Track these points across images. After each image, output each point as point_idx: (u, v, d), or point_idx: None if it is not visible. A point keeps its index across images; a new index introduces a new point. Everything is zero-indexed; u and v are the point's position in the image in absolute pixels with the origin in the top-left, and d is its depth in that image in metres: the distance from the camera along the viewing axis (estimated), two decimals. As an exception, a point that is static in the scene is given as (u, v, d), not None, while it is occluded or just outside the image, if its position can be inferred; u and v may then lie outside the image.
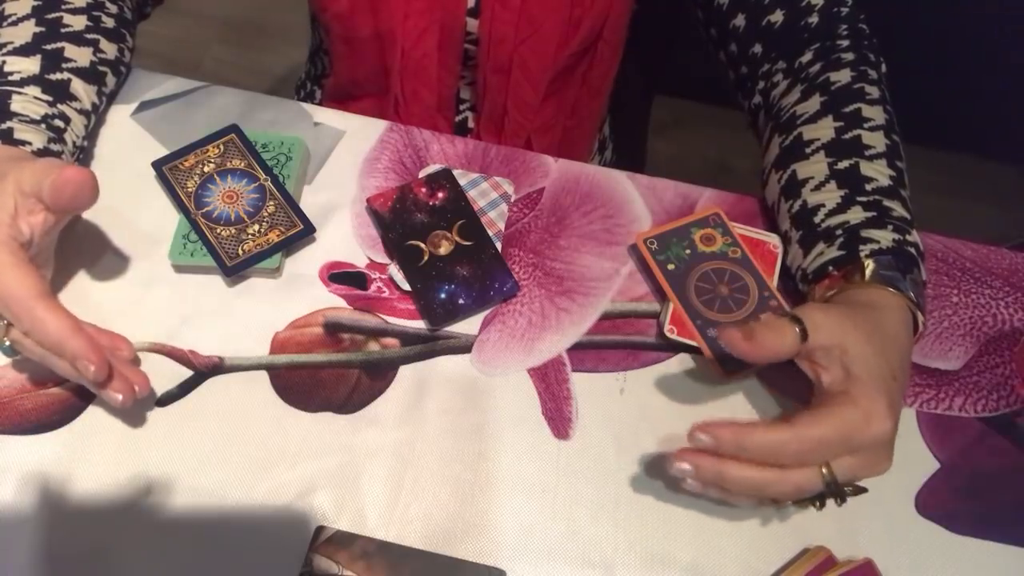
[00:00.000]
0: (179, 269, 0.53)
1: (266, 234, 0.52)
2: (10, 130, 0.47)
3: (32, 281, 0.42)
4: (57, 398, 0.47)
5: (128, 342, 0.47)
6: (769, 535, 0.46)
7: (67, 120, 0.51)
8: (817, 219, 0.50)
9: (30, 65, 0.51)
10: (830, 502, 0.43)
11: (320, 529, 0.44)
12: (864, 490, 0.43)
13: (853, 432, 0.40)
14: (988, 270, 0.58)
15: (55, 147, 0.49)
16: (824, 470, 0.41)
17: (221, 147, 0.55)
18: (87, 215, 0.54)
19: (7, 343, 0.43)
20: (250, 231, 0.52)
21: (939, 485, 0.49)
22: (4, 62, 0.50)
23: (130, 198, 0.55)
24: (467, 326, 0.52)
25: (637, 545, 0.46)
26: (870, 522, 0.47)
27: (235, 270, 0.51)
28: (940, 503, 0.48)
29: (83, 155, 0.55)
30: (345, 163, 0.59)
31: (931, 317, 0.55)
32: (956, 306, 0.56)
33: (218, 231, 0.52)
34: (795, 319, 0.43)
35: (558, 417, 0.49)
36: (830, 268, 0.48)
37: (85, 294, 0.51)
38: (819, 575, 0.43)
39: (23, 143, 0.47)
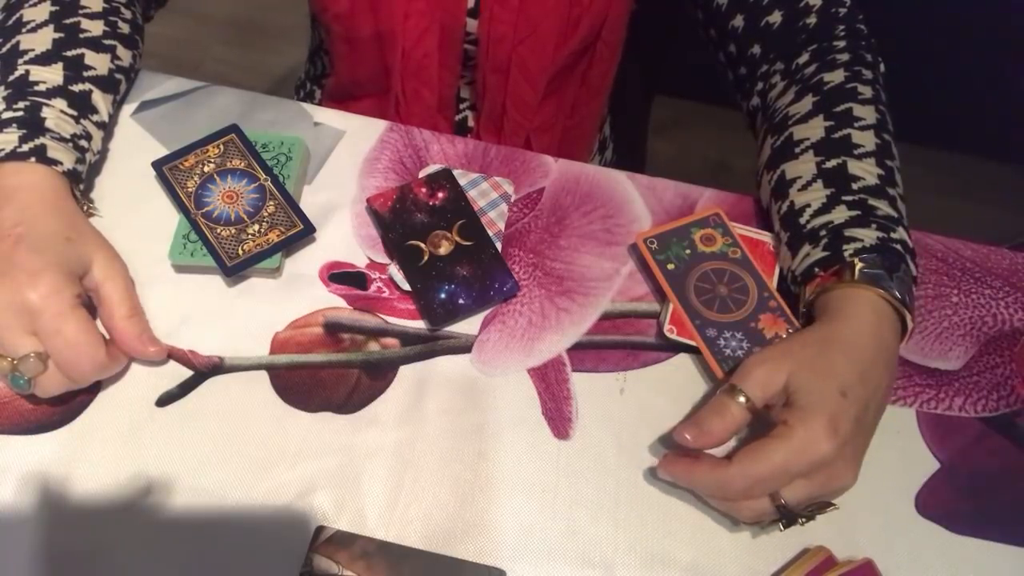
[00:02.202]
0: (179, 269, 0.53)
1: (266, 234, 0.52)
2: (44, 147, 0.48)
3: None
4: (57, 398, 0.47)
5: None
6: (769, 535, 0.46)
7: (89, 138, 0.52)
8: (803, 220, 0.50)
9: (54, 75, 0.51)
10: (821, 515, 0.43)
11: (320, 529, 0.44)
12: (831, 505, 0.43)
13: (790, 463, 0.41)
14: (988, 270, 0.58)
15: (80, 168, 0.50)
16: (775, 499, 0.42)
17: (221, 147, 0.55)
18: (87, 215, 0.54)
19: (27, 377, 0.43)
20: (250, 231, 0.52)
21: (939, 485, 0.49)
22: (28, 71, 0.51)
23: (130, 198, 0.55)
24: (467, 326, 0.52)
25: (637, 545, 0.46)
26: (870, 522, 0.47)
27: (235, 270, 0.51)
28: (940, 503, 0.48)
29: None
30: (345, 163, 0.59)
31: (931, 317, 0.55)
32: (956, 306, 0.56)
33: (218, 231, 0.52)
34: (734, 389, 0.43)
35: (558, 417, 0.49)
36: (816, 269, 0.48)
37: (85, 294, 0.51)
38: (819, 575, 0.43)
39: (55, 162, 0.48)
